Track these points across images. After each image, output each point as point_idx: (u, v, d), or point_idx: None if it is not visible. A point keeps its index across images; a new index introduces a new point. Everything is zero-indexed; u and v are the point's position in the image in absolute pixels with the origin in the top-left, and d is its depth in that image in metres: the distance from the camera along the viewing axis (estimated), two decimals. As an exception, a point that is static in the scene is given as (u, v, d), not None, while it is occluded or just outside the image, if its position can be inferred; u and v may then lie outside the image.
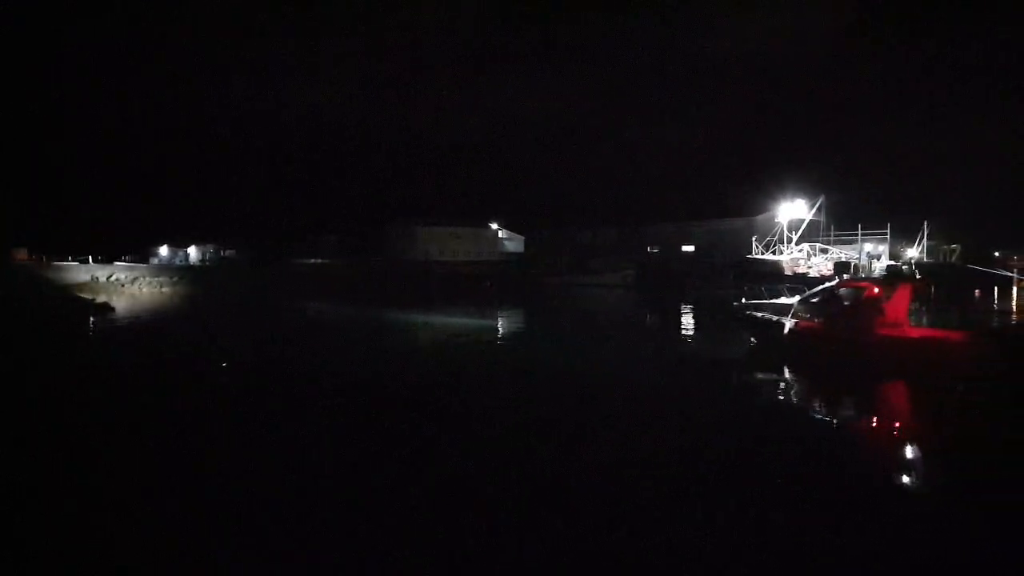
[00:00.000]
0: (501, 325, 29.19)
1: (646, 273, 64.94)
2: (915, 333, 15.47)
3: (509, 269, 73.06)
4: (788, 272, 55.73)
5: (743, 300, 21.64)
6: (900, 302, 15.55)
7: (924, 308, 39.77)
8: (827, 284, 18.24)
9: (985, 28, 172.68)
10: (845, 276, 19.17)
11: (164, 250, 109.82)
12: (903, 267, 60.19)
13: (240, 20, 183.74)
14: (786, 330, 17.11)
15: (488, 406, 12.70)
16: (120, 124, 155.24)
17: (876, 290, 15.78)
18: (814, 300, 17.38)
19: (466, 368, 17.34)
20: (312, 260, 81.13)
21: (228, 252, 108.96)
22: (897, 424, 12.01)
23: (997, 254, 73.09)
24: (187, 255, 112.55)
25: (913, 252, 58.71)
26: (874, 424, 12.04)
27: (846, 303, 16.50)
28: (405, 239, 78.29)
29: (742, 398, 13.82)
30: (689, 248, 71.98)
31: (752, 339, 19.76)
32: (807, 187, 64.72)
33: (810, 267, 57.80)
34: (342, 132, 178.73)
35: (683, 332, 27.23)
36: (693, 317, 32.48)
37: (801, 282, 30.45)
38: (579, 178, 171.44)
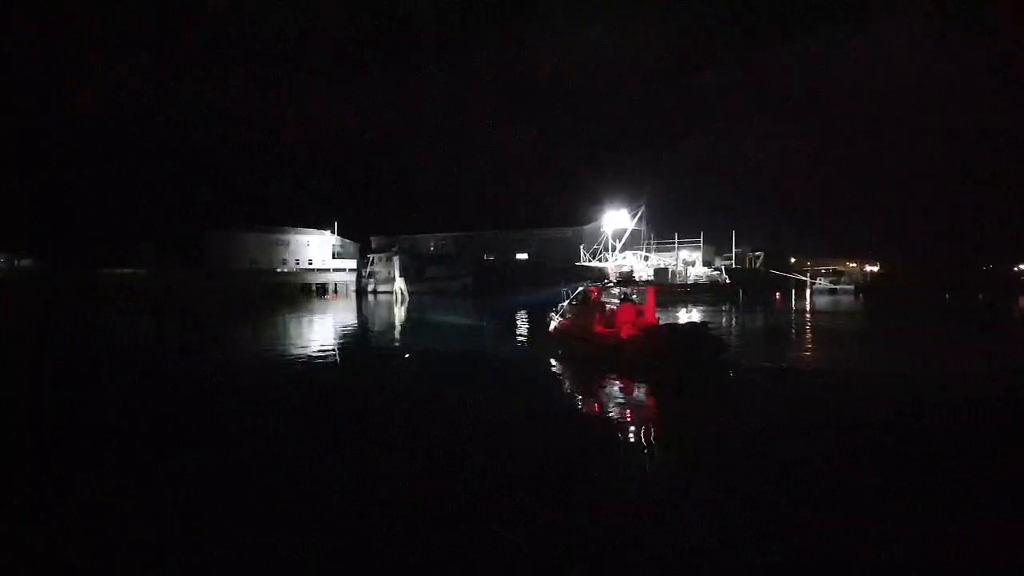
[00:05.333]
0: (327, 340, 27.64)
1: (482, 280, 65.50)
2: (626, 331, 16.59)
3: (345, 278, 70.78)
4: (613, 278, 58.38)
5: (559, 304, 22.53)
6: (649, 303, 17.53)
7: (732, 308, 43.24)
8: (579, 289, 20.49)
9: (789, 53, 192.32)
10: (606, 282, 21.43)
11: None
12: (715, 271, 65.18)
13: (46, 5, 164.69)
14: (551, 328, 19.51)
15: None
16: None
17: (594, 294, 18.38)
18: (574, 303, 19.45)
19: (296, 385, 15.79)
20: (125, 270, 73.84)
21: (24, 261, 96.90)
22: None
23: (793, 260, 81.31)
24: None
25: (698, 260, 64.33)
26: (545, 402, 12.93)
27: (583, 305, 18.63)
28: (228, 247, 73.35)
29: (503, 382, 15.09)
30: (523, 255, 73.48)
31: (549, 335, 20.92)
32: (629, 199, 68.38)
33: (633, 273, 61.00)
34: (163, 131, 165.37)
35: (498, 332, 27.12)
36: (515, 320, 32.69)
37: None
38: (417, 186, 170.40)
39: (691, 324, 16.57)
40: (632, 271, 58.62)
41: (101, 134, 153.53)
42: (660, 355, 14.68)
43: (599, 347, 16.62)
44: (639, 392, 13.56)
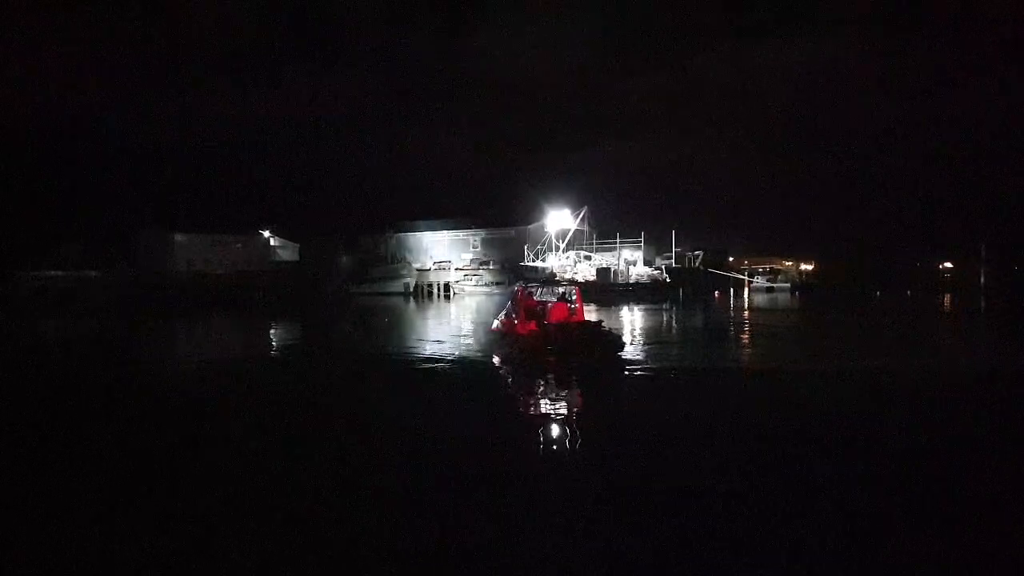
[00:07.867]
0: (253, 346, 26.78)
1: (425, 280, 65.21)
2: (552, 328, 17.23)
3: (284, 279, 68.97)
4: (559, 278, 58.63)
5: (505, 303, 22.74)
6: (579, 301, 18.27)
7: (672, 307, 43.82)
8: (514, 289, 21.01)
9: (729, 56, 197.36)
10: (530, 286, 21.74)
11: None
12: (655, 271, 66.03)
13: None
14: (493, 326, 19.96)
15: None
16: None
17: (519, 293, 19.15)
18: (514, 302, 19.72)
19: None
20: (53, 272, 70.08)
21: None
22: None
23: (732, 259, 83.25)
24: None
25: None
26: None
27: (517, 305, 19.04)
28: (160, 248, 70.78)
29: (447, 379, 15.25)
30: (468, 255, 73.18)
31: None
32: (571, 199, 68.67)
33: (576, 273, 61.28)
34: (91, 130, 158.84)
35: (442, 331, 26.69)
36: (459, 319, 32.44)
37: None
38: (360, 187, 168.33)
39: (585, 322, 16.86)
40: (554, 272, 59.88)
41: (17, 132, 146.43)
42: (555, 352, 15.65)
43: (520, 345, 17.28)
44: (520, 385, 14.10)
